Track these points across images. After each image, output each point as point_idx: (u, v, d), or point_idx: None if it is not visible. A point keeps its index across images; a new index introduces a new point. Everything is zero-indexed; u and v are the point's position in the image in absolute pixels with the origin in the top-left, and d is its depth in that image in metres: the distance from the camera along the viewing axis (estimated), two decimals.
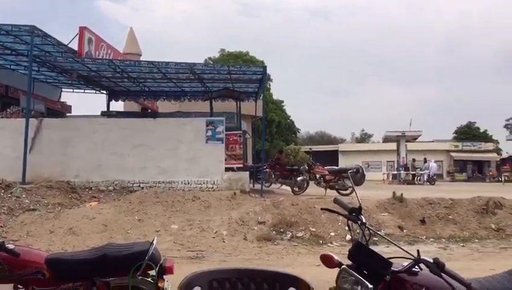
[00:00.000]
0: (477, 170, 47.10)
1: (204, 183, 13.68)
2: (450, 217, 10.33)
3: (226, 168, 14.21)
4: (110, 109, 19.64)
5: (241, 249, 8.50)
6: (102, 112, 18.51)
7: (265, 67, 15.20)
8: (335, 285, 2.37)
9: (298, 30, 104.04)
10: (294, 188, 14.97)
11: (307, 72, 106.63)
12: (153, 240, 3.27)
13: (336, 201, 2.78)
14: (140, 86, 18.74)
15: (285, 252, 8.45)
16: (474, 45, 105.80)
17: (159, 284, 3.06)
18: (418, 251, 2.26)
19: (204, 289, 2.08)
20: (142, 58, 22.47)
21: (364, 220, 2.50)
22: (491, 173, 44.17)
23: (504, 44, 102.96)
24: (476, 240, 9.33)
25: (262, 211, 10.49)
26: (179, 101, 21.00)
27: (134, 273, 3.06)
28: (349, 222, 2.59)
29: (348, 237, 9.38)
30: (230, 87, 17.56)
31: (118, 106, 22.59)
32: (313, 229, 9.63)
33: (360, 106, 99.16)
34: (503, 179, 38.09)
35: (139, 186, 13.53)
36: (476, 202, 10.78)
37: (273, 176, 16.82)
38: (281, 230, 9.62)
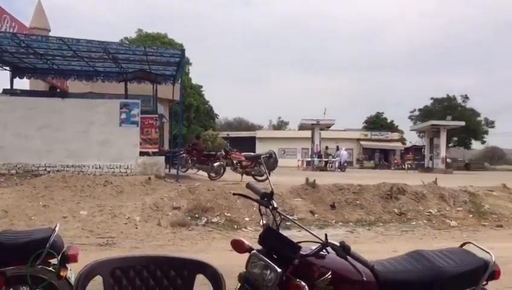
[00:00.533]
0: (383, 158, 50.02)
1: (117, 167, 13.18)
2: (357, 202, 10.83)
3: (140, 152, 13.78)
4: (14, 87, 18.19)
5: (154, 235, 8.33)
6: (4, 89, 17.10)
7: (183, 50, 14.86)
8: (245, 270, 2.36)
9: (219, 15, 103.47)
10: (211, 174, 14.93)
11: (228, 58, 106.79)
12: (55, 227, 3.07)
13: (248, 186, 2.76)
14: (49, 64, 17.49)
15: (199, 237, 8.40)
16: (384, 39, 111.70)
17: (61, 273, 2.88)
18: (325, 235, 2.31)
19: (106, 278, 1.96)
20: (51, 34, 21.01)
21: (275, 205, 2.51)
22: (395, 161, 47.09)
23: (408, 40, 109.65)
24: (381, 224, 9.86)
25: (177, 197, 10.34)
26: (91, 82, 19.92)
27: (34, 262, 2.87)
28: (261, 207, 2.59)
29: (263, 221, 9.55)
30: (147, 69, 16.99)
31: (23, 84, 21.04)
32: (228, 215, 9.66)
33: (278, 94, 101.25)
34: (406, 166, 40.77)
35: (45, 170, 12.74)
36: (382, 188, 11.39)
37: (189, 161, 16.65)
38: (196, 215, 9.55)
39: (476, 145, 59.21)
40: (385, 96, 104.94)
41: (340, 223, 9.84)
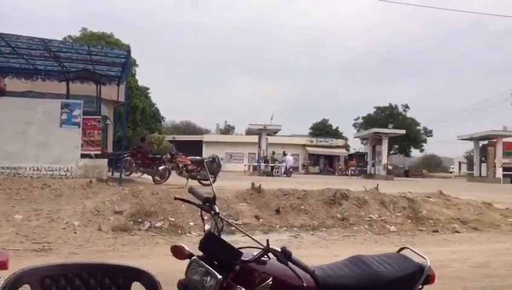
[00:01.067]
0: (328, 164, 51.07)
1: (56, 170, 12.65)
2: (302, 207, 10.94)
3: (82, 154, 13.30)
4: None
5: (94, 241, 8.03)
6: None
7: (129, 51, 14.54)
8: (185, 277, 2.30)
9: (168, 17, 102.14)
10: (156, 177, 14.67)
11: (176, 61, 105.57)
12: None
13: (190, 191, 2.71)
14: None
15: (142, 242, 8.19)
16: (330, 47, 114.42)
17: None
18: (267, 240, 2.29)
19: (35, 287, 1.85)
20: None
21: (217, 210, 2.47)
22: (339, 167, 48.26)
23: (354, 50, 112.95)
24: (324, 229, 10.02)
25: (119, 201, 10.05)
26: (31, 80, 19.06)
27: None
28: (203, 212, 2.54)
29: (207, 226, 9.43)
30: (91, 69, 16.47)
31: None
32: (173, 219, 9.49)
33: (226, 98, 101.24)
34: (349, 172, 41.88)
35: None
36: (325, 193, 11.59)
37: (134, 164, 16.27)
38: (139, 220, 9.30)
39: (415, 153, 61.87)
40: (331, 104, 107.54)
41: (285, 228, 9.90)
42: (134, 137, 35.21)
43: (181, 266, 5.87)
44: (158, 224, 9.28)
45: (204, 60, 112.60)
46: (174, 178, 14.83)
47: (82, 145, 13.44)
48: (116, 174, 14.75)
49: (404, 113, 57.26)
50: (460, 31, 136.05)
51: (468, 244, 8.94)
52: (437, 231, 10.13)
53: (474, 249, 8.36)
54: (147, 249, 7.76)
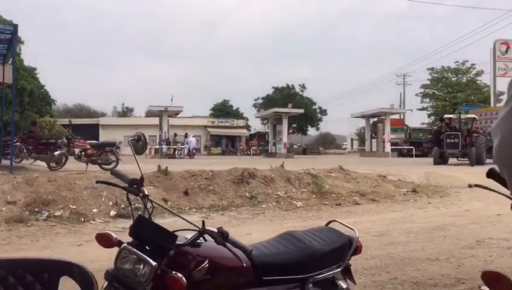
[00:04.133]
0: (230, 145, 51.54)
1: None
2: (210, 187, 10.87)
3: None
4: None
5: None
6: None
7: (16, 26, 13.21)
8: (114, 266, 2.10)
9: None
10: (51, 164, 13.69)
11: (66, 40, 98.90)
12: None
13: (113, 173, 2.48)
14: None
15: (40, 233, 7.57)
16: (228, 29, 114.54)
17: None
18: (203, 221, 2.17)
19: None
20: None
21: (146, 192, 2.29)
22: (241, 147, 48.93)
23: (252, 31, 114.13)
24: (233, 208, 10.05)
25: (12, 190, 9.19)
26: None
27: None
28: (129, 195, 2.34)
29: (113, 212, 9.01)
30: None
31: None
32: (74, 207, 8.90)
33: (122, 80, 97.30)
34: (251, 152, 42.64)
35: None
36: (233, 173, 11.61)
37: (25, 150, 15.02)
38: (36, 210, 8.59)
39: (311, 131, 64.63)
40: (231, 85, 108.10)
41: (194, 210, 9.77)
42: (22, 121, 32.63)
43: (90, 255, 5.51)
44: (58, 213, 8.65)
45: (97, 39, 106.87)
46: (72, 164, 13.95)
47: None
48: (6, 162, 13.50)
49: (301, 93, 59.30)
50: (350, 14, 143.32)
51: (368, 215, 9.48)
52: (340, 204, 10.63)
53: (374, 219, 8.90)
54: (47, 240, 7.20)
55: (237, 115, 59.38)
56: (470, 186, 2.31)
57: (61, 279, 1.73)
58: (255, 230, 7.79)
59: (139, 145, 2.75)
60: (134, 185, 2.32)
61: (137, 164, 2.41)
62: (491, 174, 1.64)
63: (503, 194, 1.77)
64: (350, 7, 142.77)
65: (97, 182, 2.68)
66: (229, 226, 8.38)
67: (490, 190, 1.96)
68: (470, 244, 6.50)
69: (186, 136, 34.11)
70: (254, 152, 42.73)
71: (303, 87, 59.60)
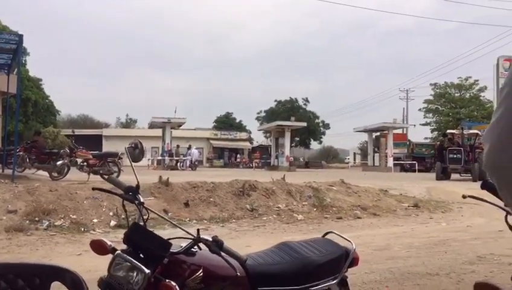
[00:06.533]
0: (233, 157, 51.54)
1: None
2: (211, 199, 10.85)
3: None
4: None
5: None
6: None
7: (21, 36, 13.35)
8: (107, 273, 2.09)
9: (66, 5, 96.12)
10: (53, 173, 13.73)
11: (71, 52, 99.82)
12: None
13: (109, 180, 2.49)
14: None
15: (40, 243, 7.56)
16: (233, 43, 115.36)
17: None
18: (198, 230, 2.17)
19: None
20: None
21: (142, 200, 2.29)
22: (244, 160, 48.93)
23: (256, 45, 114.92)
24: (234, 220, 10.02)
25: (13, 199, 9.21)
26: None
27: None
28: (125, 203, 2.34)
29: (113, 222, 8.99)
30: None
31: None
32: (74, 217, 8.90)
33: (126, 92, 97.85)
34: (254, 165, 42.61)
35: None
36: (234, 185, 11.60)
37: (27, 160, 15.05)
38: (36, 219, 8.59)
39: (314, 145, 64.60)
40: (234, 98, 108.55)
41: (194, 221, 9.74)
42: (26, 131, 32.76)
43: (88, 265, 5.50)
44: (58, 222, 8.65)
45: (103, 51, 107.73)
46: (74, 174, 13.97)
47: None
48: (8, 172, 13.53)
49: (304, 106, 59.39)
50: (353, 30, 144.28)
51: (369, 229, 9.44)
52: (341, 218, 10.59)
53: (375, 233, 8.85)
54: (46, 249, 7.19)
55: (240, 127, 59.47)
56: (464, 197, 2.31)
57: (52, 284, 1.73)
58: (254, 242, 7.74)
59: (136, 153, 2.78)
60: (130, 193, 2.32)
61: (134, 171, 2.41)
62: (485, 185, 1.64)
63: (496, 205, 1.77)
64: (354, 22, 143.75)
65: (93, 189, 2.68)
66: (228, 238, 8.36)
67: (483, 200, 1.95)
68: (471, 260, 6.45)
69: (189, 147, 34.15)
70: (256, 165, 42.70)
71: (306, 100, 59.74)
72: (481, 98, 56.21)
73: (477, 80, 55.30)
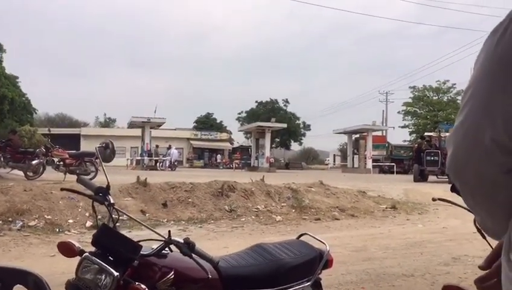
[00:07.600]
0: (213, 157, 51.38)
1: None
2: (189, 200, 10.78)
3: None
4: None
5: None
6: None
7: None
8: (75, 276, 2.04)
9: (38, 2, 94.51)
10: (28, 173, 13.47)
11: (48, 49, 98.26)
12: None
13: (79, 181, 2.43)
14: None
15: (13, 243, 7.40)
16: (213, 43, 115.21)
17: None
18: (169, 231, 2.14)
19: None
20: None
21: (112, 201, 2.24)
22: (224, 161, 48.81)
23: (236, 46, 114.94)
24: (212, 221, 9.96)
25: None
26: None
27: None
28: (95, 204, 2.29)
29: (89, 223, 8.85)
30: None
31: None
32: (49, 217, 8.74)
33: (104, 90, 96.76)
34: (234, 165, 42.55)
35: None
36: (213, 186, 11.55)
37: (2, 159, 14.74)
38: (10, 219, 8.41)
39: (294, 146, 64.80)
40: (215, 98, 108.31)
41: (172, 222, 9.66)
42: (2, 130, 32.09)
43: (61, 267, 5.38)
44: (32, 223, 8.48)
45: (81, 49, 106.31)
46: (50, 173, 13.73)
47: None
48: None
49: (284, 107, 59.55)
50: (333, 32, 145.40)
51: (347, 230, 9.49)
52: (319, 219, 10.62)
53: (352, 235, 8.91)
54: (19, 250, 7.05)
55: (220, 128, 59.28)
56: (433, 200, 2.32)
57: (14, 288, 1.67)
58: (232, 243, 7.70)
59: (107, 152, 2.73)
60: (100, 194, 2.27)
61: (104, 172, 2.36)
62: (454, 188, 1.65)
63: (465, 208, 1.78)
64: (335, 24, 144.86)
65: (61, 189, 2.62)
66: (206, 239, 8.31)
67: (451, 203, 1.97)
68: (446, 261, 6.54)
69: (169, 148, 33.91)
70: (236, 165, 42.64)
71: (286, 102, 59.88)
72: (458, 101, 57.05)
73: (455, 84, 56.22)
